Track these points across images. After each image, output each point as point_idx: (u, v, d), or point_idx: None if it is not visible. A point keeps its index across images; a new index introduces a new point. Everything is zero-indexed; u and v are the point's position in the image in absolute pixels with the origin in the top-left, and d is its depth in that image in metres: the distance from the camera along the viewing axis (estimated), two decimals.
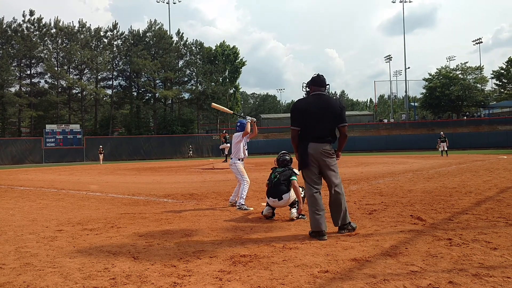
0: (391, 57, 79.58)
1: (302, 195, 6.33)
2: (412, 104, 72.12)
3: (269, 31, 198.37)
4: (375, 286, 3.11)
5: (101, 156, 39.42)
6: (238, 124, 7.99)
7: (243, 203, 7.46)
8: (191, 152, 50.45)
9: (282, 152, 6.92)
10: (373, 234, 4.96)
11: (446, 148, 29.55)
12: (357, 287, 3.09)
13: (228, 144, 25.34)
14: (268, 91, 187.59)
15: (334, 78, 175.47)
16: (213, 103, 9.39)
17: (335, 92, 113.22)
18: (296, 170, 6.44)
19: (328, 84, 5.35)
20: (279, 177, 6.45)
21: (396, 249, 4.17)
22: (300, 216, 6.19)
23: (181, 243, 4.78)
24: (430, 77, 64.60)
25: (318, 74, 5.29)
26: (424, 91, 65.75)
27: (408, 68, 73.35)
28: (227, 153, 25.93)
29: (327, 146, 5.07)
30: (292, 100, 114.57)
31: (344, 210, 5.07)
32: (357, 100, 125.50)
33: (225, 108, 9.07)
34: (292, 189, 6.35)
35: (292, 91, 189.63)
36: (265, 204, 6.97)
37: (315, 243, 4.55)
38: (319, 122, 5.04)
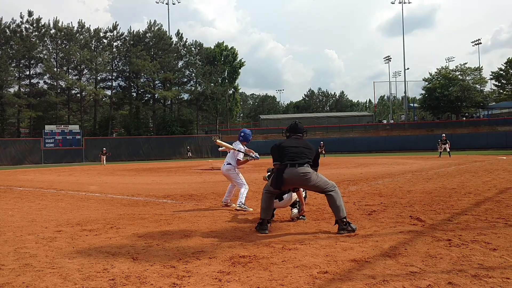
0: (390, 58, 79.41)
1: (303, 196, 6.32)
2: (411, 105, 72.15)
3: (269, 31, 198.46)
4: (375, 287, 3.12)
5: (103, 158, 38.00)
6: (242, 134, 7.86)
7: (243, 202, 7.42)
8: (189, 152, 50.29)
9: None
10: (373, 234, 4.96)
11: (448, 150, 29.62)
12: None
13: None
14: (268, 92, 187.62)
15: (334, 79, 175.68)
16: (217, 140, 8.31)
17: (334, 92, 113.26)
18: None
19: (306, 131, 5.90)
20: None
21: (396, 250, 4.18)
22: (300, 217, 6.19)
23: (180, 244, 4.78)
24: (430, 77, 64.65)
25: (295, 122, 5.93)
26: (423, 92, 65.84)
27: (407, 69, 73.53)
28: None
29: (305, 169, 5.35)
30: (291, 101, 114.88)
31: (339, 206, 5.23)
32: (357, 101, 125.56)
33: (230, 146, 7.94)
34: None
35: (292, 92, 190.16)
36: None
37: (315, 244, 4.55)
38: (295, 151, 5.45)
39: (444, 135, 31.85)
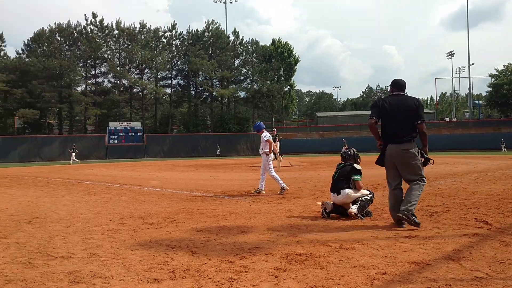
0: (454, 53, 75.68)
1: (368, 198, 6.22)
2: (476, 102, 68.68)
3: (326, 28, 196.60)
4: None
5: (73, 156, 35.84)
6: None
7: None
8: (218, 150, 50.67)
9: (348, 147, 7.07)
10: (434, 236, 4.77)
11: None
12: None
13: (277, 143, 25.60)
14: (324, 89, 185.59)
15: (393, 76, 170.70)
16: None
17: None
18: (357, 166, 6.44)
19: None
20: (339, 173, 6.48)
21: (459, 253, 3.99)
22: (359, 215, 6.06)
23: (237, 239, 4.85)
24: (497, 73, 61.16)
25: (398, 79, 5.86)
26: (489, 88, 62.44)
27: (472, 64, 69.57)
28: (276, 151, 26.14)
29: (406, 145, 5.42)
30: (348, 98, 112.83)
31: (412, 202, 5.27)
32: (418, 98, 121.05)
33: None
34: (354, 186, 6.35)
35: (349, 89, 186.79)
36: (320, 203, 6.91)
37: (373, 244, 4.45)
38: (394, 120, 5.47)
39: None
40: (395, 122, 5.46)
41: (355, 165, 6.46)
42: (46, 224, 6.13)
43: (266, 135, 10.01)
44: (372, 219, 6.04)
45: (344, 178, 6.36)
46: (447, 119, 68.43)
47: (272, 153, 10.15)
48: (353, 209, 6.12)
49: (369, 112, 5.71)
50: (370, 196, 6.29)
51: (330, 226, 5.63)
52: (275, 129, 31.66)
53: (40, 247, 4.60)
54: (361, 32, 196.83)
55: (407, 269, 3.51)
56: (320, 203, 6.67)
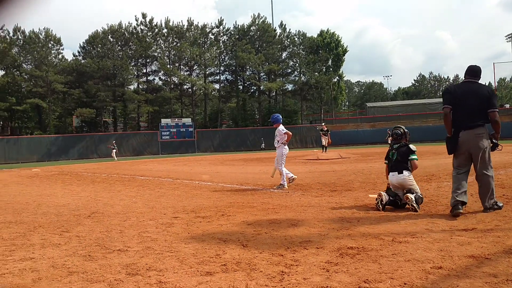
0: None
1: (421, 196, 6.08)
2: None
3: (375, 16, 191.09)
4: (497, 286, 2.87)
5: (113, 152, 35.41)
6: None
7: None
8: (263, 144, 50.48)
9: (395, 126, 6.90)
10: (494, 229, 4.56)
11: None
12: (475, 286, 2.88)
13: (326, 137, 25.59)
14: (374, 78, 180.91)
15: (446, 62, 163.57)
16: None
17: (447, 77, 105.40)
18: (412, 146, 6.42)
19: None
20: (397, 154, 6.45)
21: None
22: (414, 203, 5.88)
23: (288, 232, 4.86)
24: None
25: (473, 65, 5.73)
26: None
27: None
28: (325, 143, 26.09)
29: (479, 130, 5.46)
30: (399, 87, 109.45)
31: (488, 195, 5.43)
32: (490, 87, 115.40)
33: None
34: (410, 167, 6.32)
35: (400, 78, 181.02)
36: (373, 196, 6.78)
37: (427, 238, 4.31)
38: (466, 107, 5.45)
39: None
40: (467, 108, 5.45)
41: (411, 146, 6.44)
42: (104, 218, 6.42)
43: (283, 128, 10.32)
44: (426, 212, 5.86)
45: (402, 159, 6.37)
46: (507, 106, 64.79)
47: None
48: (411, 196, 5.97)
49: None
50: (422, 195, 6.15)
51: (382, 219, 5.52)
52: (323, 124, 31.40)
53: (98, 241, 4.82)
54: (411, 18, 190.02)
55: (464, 264, 3.39)
56: (375, 195, 6.53)
